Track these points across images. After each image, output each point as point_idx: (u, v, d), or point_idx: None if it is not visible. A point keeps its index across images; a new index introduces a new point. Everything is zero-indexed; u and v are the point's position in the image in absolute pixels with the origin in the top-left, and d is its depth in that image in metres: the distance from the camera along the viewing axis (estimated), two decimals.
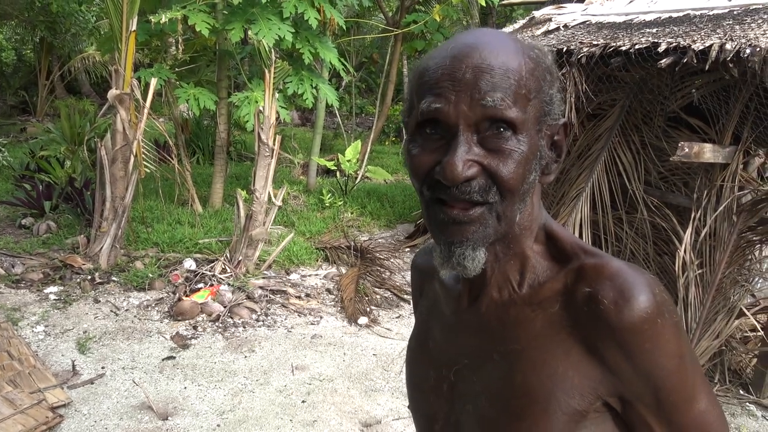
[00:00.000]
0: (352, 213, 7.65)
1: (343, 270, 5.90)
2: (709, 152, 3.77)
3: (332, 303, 5.21)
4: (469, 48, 0.75)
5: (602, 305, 0.73)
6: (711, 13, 4.23)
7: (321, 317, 4.90)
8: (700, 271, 3.81)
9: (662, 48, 3.76)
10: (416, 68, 0.82)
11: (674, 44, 3.74)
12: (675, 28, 4.11)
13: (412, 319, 4.15)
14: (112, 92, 5.34)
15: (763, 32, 3.52)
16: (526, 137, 0.75)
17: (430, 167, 0.76)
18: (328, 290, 5.45)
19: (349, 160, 8.20)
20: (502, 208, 0.77)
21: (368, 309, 5.07)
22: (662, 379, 0.74)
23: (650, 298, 0.73)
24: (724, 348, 3.92)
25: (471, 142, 0.74)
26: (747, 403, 3.83)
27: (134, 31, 5.44)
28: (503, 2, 9.21)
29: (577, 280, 0.77)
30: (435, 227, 0.80)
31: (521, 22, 6.01)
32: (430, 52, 0.80)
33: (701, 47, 3.57)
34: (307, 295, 5.29)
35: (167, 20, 5.79)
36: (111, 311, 4.73)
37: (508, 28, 6.09)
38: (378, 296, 5.35)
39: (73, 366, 3.91)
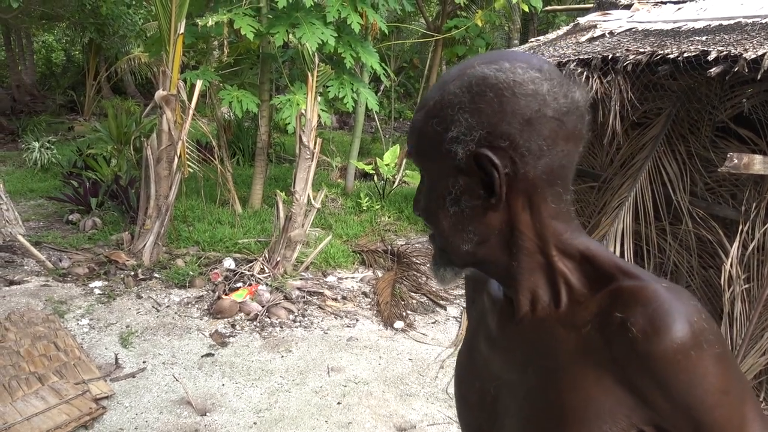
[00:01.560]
0: (389, 217, 7.67)
1: (380, 274, 5.92)
2: (759, 164, 3.67)
3: (368, 306, 5.23)
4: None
5: (631, 333, 0.71)
6: (763, 21, 4.12)
7: (357, 320, 4.93)
8: (746, 285, 3.71)
9: (712, 56, 3.68)
10: None
11: (725, 52, 3.65)
12: (725, 36, 4.02)
13: (448, 325, 4.16)
14: (159, 93, 5.47)
15: None
16: (429, 177, 0.85)
17: None
18: (365, 293, 5.48)
19: (387, 164, 8.23)
20: (439, 238, 0.86)
21: (404, 313, 5.07)
22: (702, 414, 0.70)
23: (684, 327, 0.69)
24: None
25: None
26: None
27: (182, 33, 5.57)
28: (546, 8, 9.14)
29: (612, 303, 0.75)
30: None
31: (565, 29, 5.94)
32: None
33: (753, 56, 3.48)
34: (344, 298, 5.32)
35: (213, 23, 5.91)
36: (153, 307, 4.83)
37: (552, 35, 6.04)
38: (414, 301, 5.35)
39: (116, 359, 4.01)
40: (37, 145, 9.14)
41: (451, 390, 3.95)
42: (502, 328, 0.90)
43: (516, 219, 0.80)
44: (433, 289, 5.61)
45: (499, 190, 0.78)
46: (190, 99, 5.70)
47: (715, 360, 0.70)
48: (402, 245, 6.62)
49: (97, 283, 5.14)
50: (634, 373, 0.72)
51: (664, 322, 0.70)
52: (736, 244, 3.76)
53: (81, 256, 5.63)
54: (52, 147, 9.40)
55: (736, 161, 3.58)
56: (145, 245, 5.55)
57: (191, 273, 5.36)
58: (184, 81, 6.09)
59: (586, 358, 0.76)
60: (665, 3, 5.83)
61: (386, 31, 7.13)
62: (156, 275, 5.37)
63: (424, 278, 5.86)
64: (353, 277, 5.86)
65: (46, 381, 3.54)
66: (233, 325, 4.64)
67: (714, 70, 3.61)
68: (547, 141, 0.77)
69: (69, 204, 6.89)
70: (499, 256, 0.83)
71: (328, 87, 6.55)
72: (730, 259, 3.74)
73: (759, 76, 3.41)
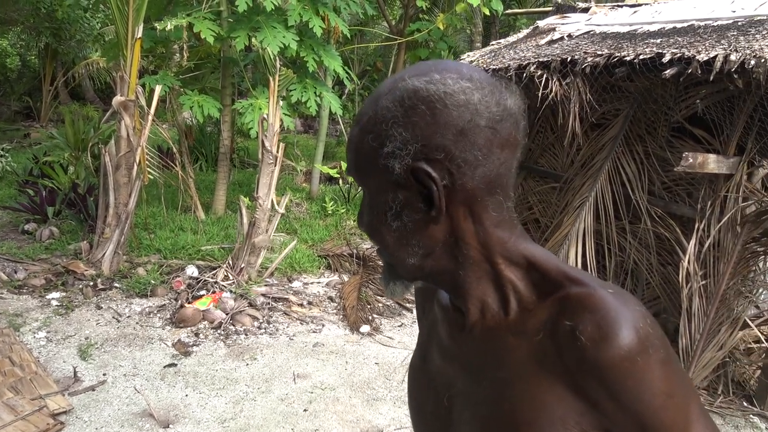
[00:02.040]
0: (354, 221, 7.65)
1: (346, 278, 5.89)
2: (713, 163, 3.77)
3: (334, 311, 5.20)
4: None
5: (580, 342, 0.72)
6: (715, 24, 4.23)
7: (323, 325, 4.89)
8: (704, 282, 3.80)
9: (666, 58, 3.76)
10: None
11: (678, 55, 3.74)
12: (679, 39, 4.11)
13: (415, 328, 4.16)
14: (117, 99, 5.36)
15: (767, 43, 3.52)
16: (369, 192, 0.85)
17: None
18: (330, 298, 5.44)
19: None
20: (385, 253, 0.86)
21: (370, 317, 5.05)
22: (648, 417, 0.72)
23: (631, 334, 0.70)
24: (727, 359, 3.90)
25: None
26: (751, 415, 3.81)
27: (140, 38, 5.46)
28: (507, 12, 9.24)
29: (561, 311, 0.76)
30: None
31: (525, 32, 6.02)
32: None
33: (705, 58, 3.57)
34: (309, 303, 5.28)
35: (172, 27, 5.81)
36: (113, 318, 4.72)
37: (512, 38, 6.11)
38: (380, 304, 5.34)
39: (75, 372, 3.90)
40: None
41: None
42: (452, 337, 0.90)
43: (459, 229, 0.80)
44: None
45: (438, 202, 0.78)
46: (149, 104, 5.59)
47: (660, 364, 0.72)
48: (368, 249, 6.60)
49: (55, 295, 5.00)
50: (584, 379, 0.73)
51: (611, 329, 0.71)
52: (692, 242, 3.85)
53: (37, 267, 5.47)
54: (7, 155, 9.12)
55: (691, 160, 3.67)
56: (104, 254, 5.42)
57: (153, 282, 5.25)
58: (143, 86, 5.98)
59: (538, 367, 0.76)
60: (621, 6, 5.96)
61: (348, 35, 7.11)
62: (116, 285, 5.25)
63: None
64: (319, 282, 5.82)
65: (0, 397, 3.42)
66: (197, 334, 4.56)
67: (668, 72, 3.70)
68: (483, 150, 0.77)
69: (25, 213, 6.69)
70: (446, 267, 0.83)
71: (290, 91, 6.50)
72: (687, 257, 3.82)
73: (711, 78, 3.51)
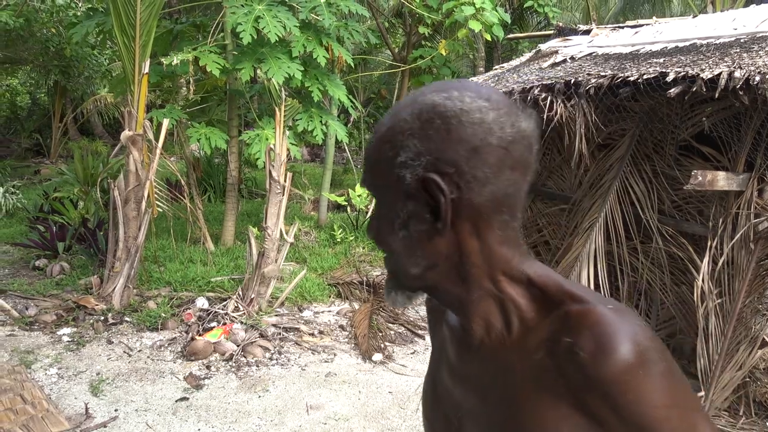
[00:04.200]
0: (363, 248, 7.63)
1: (356, 306, 5.86)
2: (722, 180, 3.74)
3: (346, 340, 5.16)
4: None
5: (580, 358, 0.73)
6: (717, 41, 4.24)
7: (335, 354, 4.85)
8: (719, 300, 3.75)
9: (671, 77, 3.76)
10: None
11: (682, 73, 3.74)
12: (682, 58, 4.12)
13: (428, 355, 4.09)
14: (125, 133, 5.41)
15: None
16: (380, 201, 0.87)
17: None
18: (342, 326, 5.41)
19: (359, 195, 8.22)
20: (390, 261, 0.88)
21: (382, 345, 5.01)
22: (653, 429, 0.72)
23: (630, 348, 0.71)
24: (748, 379, 3.83)
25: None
26: None
27: (146, 73, 5.54)
28: (508, 36, 9.32)
29: (561, 328, 0.77)
30: None
31: (527, 55, 6.06)
32: None
33: (710, 76, 3.56)
34: (321, 332, 5.25)
35: (179, 62, 5.89)
36: (124, 352, 4.70)
37: (515, 62, 6.14)
38: (392, 332, 5.29)
39: (86, 409, 3.87)
40: (1, 190, 8.95)
41: None
42: (460, 357, 0.91)
43: (463, 245, 0.82)
44: (411, 319, 5.56)
45: (444, 215, 0.79)
46: (157, 138, 5.64)
47: (660, 377, 0.73)
48: (377, 276, 6.58)
49: (66, 330, 4.99)
50: (585, 395, 0.74)
51: (610, 344, 0.72)
52: (706, 260, 3.81)
53: (48, 303, 5.48)
54: (17, 191, 9.21)
55: (700, 178, 3.64)
56: (114, 288, 5.43)
57: (163, 315, 5.24)
58: (151, 120, 6.04)
59: (541, 385, 0.77)
60: (623, 27, 5.99)
61: (352, 64, 7.18)
62: (127, 319, 5.24)
63: (401, 308, 5.82)
64: (329, 311, 5.79)
65: None
66: (208, 367, 4.53)
67: (673, 91, 3.69)
68: (493, 169, 0.78)
69: (35, 249, 6.73)
70: (449, 282, 0.84)
71: (297, 120, 6.55)
72: (701, 275, 3.78)
73: (717, 95, 3.50)
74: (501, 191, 0.80)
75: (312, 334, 5.18)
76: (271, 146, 5.53)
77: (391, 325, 5.41)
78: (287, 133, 5.77)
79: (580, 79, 4.40)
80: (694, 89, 3.59)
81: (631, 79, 4.01)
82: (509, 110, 0.80)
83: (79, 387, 4.18)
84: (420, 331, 5.29)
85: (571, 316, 0.77)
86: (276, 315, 5.47)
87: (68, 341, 4.82)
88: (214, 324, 5.07)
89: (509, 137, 0.78)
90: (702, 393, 3.65)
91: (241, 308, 5.31)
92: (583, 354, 0.72)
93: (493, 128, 0.78)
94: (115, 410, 3.90)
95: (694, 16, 5.96)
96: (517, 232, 0.84)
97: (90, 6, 8.58)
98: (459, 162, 0.78)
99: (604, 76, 4.25)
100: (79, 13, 9.55)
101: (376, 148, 0.84)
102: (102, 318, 5.18)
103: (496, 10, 7.19)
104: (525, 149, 0.81)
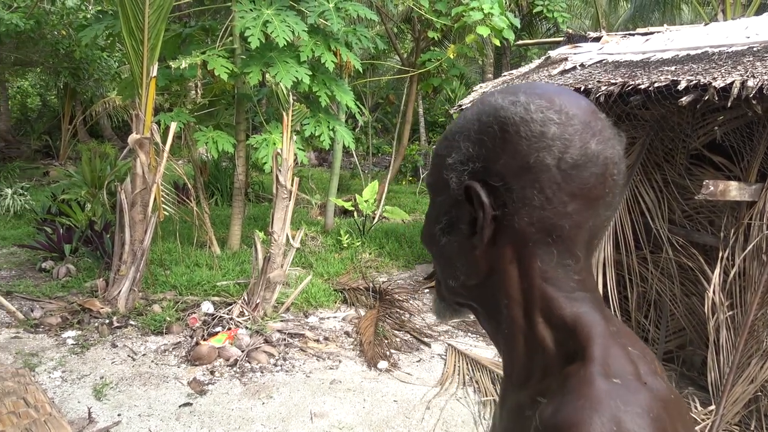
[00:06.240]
0: (370, 254, 7.60)
1: (362, 312, 5.82)
2: (734, 190, 3.69)
3: (351, 346, 5.12)
4: None
5: (536, 422, 0.62)
6: (730, 50, 4.20)
7: (340, 361, 4.81)
8: (730, 312, 3.69)
9: (682, 86, 3.72)
10: None
11: (694, 81, 3.70)
12: (694, 66, 4.08)
13: (433, 363, 4.08)
14: (133, 137, 5.41)
15: None
16: (431, 202, 0.81)
17: None
18: (347, 333, 5.37)
19: (366, 201, 8.20)
20: (434, 265, 0.84)
21: (388, 352, 4.97)
22: None
23: (594, 430, 0.56)
24: (759, 393, 3.76)
25: None
26: None
27: (154, 76, 5.53)
28: (518, 43, 9.29)
29: (552, 384, 0.66)
30: None
31: (537, 62, 6.02)
32: None
33: (722, 84, 3.52)
34: (326, 339, 5.21)
35: (187, 65, 5.89)
36: (128, 356, 4.68)
37: (524, 68, 6.11)
38: (398, 339, 5.25)
39: (89, 413, 3.85)
40: (9, 191, 8.98)
41: (439, 431, 3.86)
42: (503, 389, 0.84)
43: (502, 270, 0.73)
44: (417, 326, 5.52)
45: (481, 230, 0.71)
46: (164, 141, 5.63)
47: None
48: (384, 282, 6.55)
49: (70, 333, 4.97)
50: None
51: (565, 420, 0.59)
52: (717, 271, 3.75)
53: (54, 305, 5.47)
54: (26, 193, 9.24)
55: (712, 188, 3.59)
56: (120, 291, 5.41)
57: (168, 319, 5.22)
58: (159, 123, 6.04)
59: None
60: (633, 35, 5.95)
61: (360, 69, 7.17)
62: (132, 322, 5.22)
63: (407, 315, 5.77)
64: (335, 317, 5.75)
65: None
66: (212, 372, 4.50)
67: (685, 99, 3.65)
68: (546, 192, 0.68)
69: (42, 251, 6.73)
70: (487, 307, 0.77)
71: (304, 125, 6.54)
72: (712, 286, 3.72)
73: (729, 104, 3.46)
74: (552, 220, 0.69)
75: (317, 341, 5.15)
76: (279, 151, 5.51)
77: (397, 332, 5.37)
78: (294, 137, 5.76)
79: (590, 86, 4.36)
80: (706, 98, 3.55)
81: (642, 87, 3.97)
82: (584, 128, 0.69)
83: (83, 391, 4.15)
84: (426, 339, 5.25)
85: (565, 374, 0.65)
86: (281, 320, 5.44)
87: (73, 344, 4.81)
88: (218, 329, 5.04)
89: (572, 160, 0.68)
90: (712, 407, 3.60)
91: (246, 313, 5.29)
92: (538, 420, 0.62)
93: (554, 146, 0.68)
94: (118, 415, 3.88)
95: (705, 24, 5.91)
96: (571, 272, 0.72)
97: (99, 9, 8.61)
98: (508, 177, 0.69)
99: (615, 83, 4.21)
100: (88, 16, 9.59)
101: (438, 144, 0.79)
102: (107, 321, 5.17)
103: (506, 16, 7.16)
104: (593, 177, 0.69)
